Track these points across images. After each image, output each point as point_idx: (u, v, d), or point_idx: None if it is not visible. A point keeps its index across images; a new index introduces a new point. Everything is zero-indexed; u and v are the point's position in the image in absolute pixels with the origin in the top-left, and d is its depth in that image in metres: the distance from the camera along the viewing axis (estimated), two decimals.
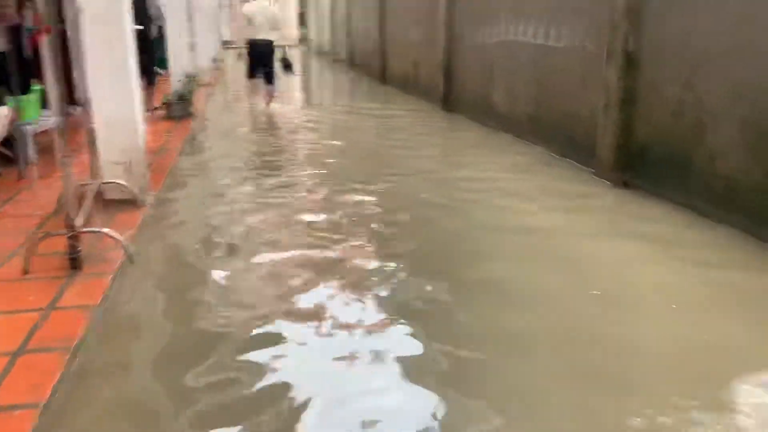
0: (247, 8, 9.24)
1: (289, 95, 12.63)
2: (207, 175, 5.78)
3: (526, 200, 4.69)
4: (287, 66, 9.82)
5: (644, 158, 4.64)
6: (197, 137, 7.44)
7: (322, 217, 4.36)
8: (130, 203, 4.31)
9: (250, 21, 9.10)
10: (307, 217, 4.36)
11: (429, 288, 3.16)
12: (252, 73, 9.52)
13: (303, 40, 30.94)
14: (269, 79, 9.45)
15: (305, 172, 5.78)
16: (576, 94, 5.59)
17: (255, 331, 2.73)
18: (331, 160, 6.35)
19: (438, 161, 6.38)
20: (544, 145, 6.16)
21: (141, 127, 4.45)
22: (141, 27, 9.75)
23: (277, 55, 9.46)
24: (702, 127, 4.07)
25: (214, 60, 16.66)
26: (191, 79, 8.52)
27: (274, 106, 9.67)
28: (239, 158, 6.36)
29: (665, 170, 4.43)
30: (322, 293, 3.12)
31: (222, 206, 4.62)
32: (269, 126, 8.59)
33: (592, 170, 5.19)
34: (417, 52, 10.53)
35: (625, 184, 4.83)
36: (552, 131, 6.04)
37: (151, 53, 8.62)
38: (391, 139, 7.40)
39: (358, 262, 3.52)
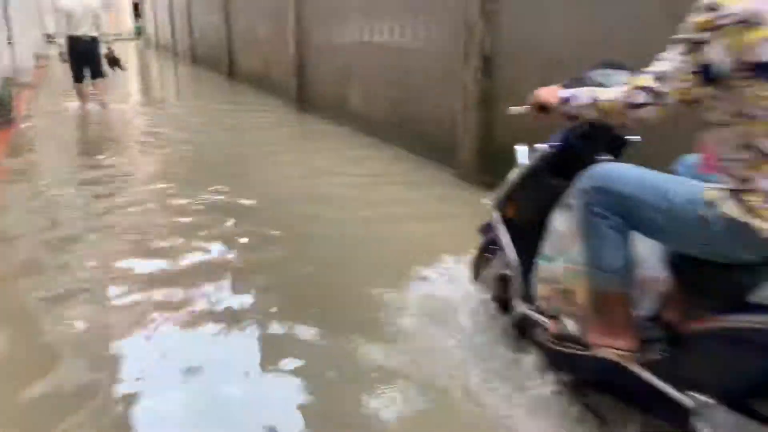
0: (64, 1, 8.32)
1: (126, 94, 11.68)
2: (30, 199, 4.85)
3: (384, 204, 4.59)
4: (113, 61, 9.00)
5: (504, 160, 4.71)
6: (20, 147, 6.55)
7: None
8: None
9: (69, 15, 8.26)
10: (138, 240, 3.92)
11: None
12: (78, 76, 8.64)
13: (139, 33, 28.98)
14: (96, 74, 8.66)
15: (145, 188, 5.21)
16: (435, 95, 5.58)
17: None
18: (176, 170, 5.75)
19: (293, 164, 6.08)
20: (405, 147, 6.11)
21: None
22: None
23: (102, 50, 8.67)
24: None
25: (37, 56, 14.98)
26: (8, 81, 7.48)
27: (108, 105, 8.94)
28: (68, 174, 5.62)
29: None
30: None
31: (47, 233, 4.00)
32: (103, 131, 7.79)
33: (454, 172, 5.21)
34: (268, 49, 10.13)
35: (487, 186, 4.89)
36: (412, 133, 6.00)
37: None
38: (243, 143, 7.01)
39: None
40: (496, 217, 2.51)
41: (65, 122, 8.31)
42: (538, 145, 2.41)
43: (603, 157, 2.11)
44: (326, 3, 7.61)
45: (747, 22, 1.47)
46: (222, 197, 4.73)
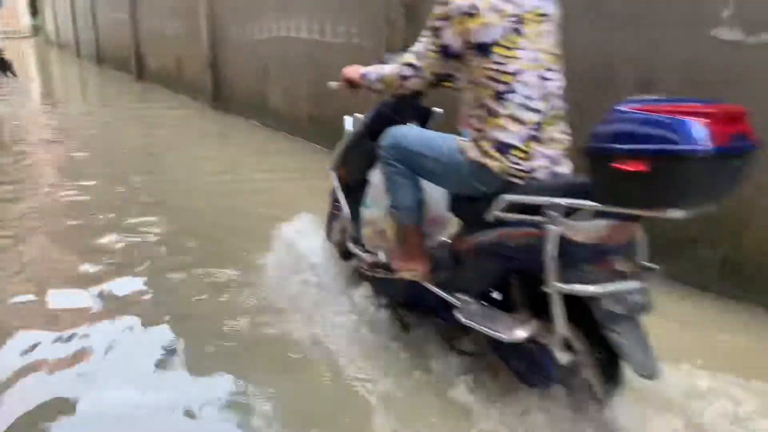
0: None
1: (26, 95, 10.90)
2: None
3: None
4: (3, 65, 8.61)
5: None
6: None
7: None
8: None
9: None
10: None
11: None
12: None
13: (37, 31, 27.27)
14: None
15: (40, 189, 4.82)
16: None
17: None
18: (83, 183, 5.01)
19: (212, 168, 5.82)
20: (327, 146, 5.97)
21: None
22: None
23: None
24: None
25: None
26: None
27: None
28: None
29: None
30: None
31: None
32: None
33: None
34: (179, 47, 9.70)
35: None
36: (334, 131, 5.86)
37: None
38: (154, 142, 6.66)
39: None
40: (333, 178, 2.96)
41: None
42: (358, 115, 2.82)
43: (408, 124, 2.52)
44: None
45: (468, 13, 1.94)
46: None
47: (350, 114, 2.93)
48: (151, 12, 10.91)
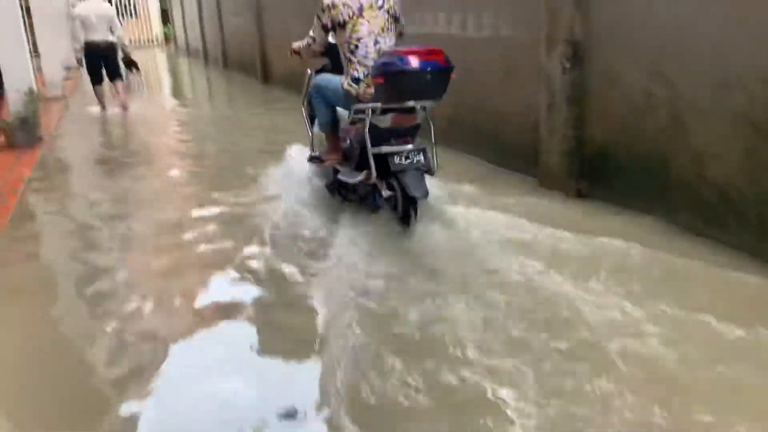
0: (79, 9, 8.81)
1: (156, 99, 11.19)
2: (63, 243, 4.13)
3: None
4: (129, 63, 9.39)
5: (604, 163, 3.95)
6: (48, 172, 6.00)
7: None
8: None
9: (84, 23, 8.62)
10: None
11: None
12: (96, 80, 8.98)
13: (168, 38, 28.72)
14: (113, 76, 8.96)
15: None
16: (504, 91, 4.85)
17: None
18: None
19: None
20: (468, 151, 5.39)
21: None
22: None
23: (119, 54, 9.09)
24: (681, 125, 3.42)
25: (67, 67, 14.61)
26: (33, 95, 6.97)
27: (129, 108, 9.02)
28: (106, 203, 5.01)
29: (629, 177, 3.76)
30: None
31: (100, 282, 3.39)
32: (133, 141, 7.24)
33: (536, 179, 4.47)
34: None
35: (580, 194, 4.14)
36: (477, 135, 5.28)
37: None
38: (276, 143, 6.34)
39: None
40: (304, 113, 4.52)
41: (94, 137, 7.82)
42: (309, 70, 4.32)
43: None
44: None
45: (331, 6, 3.58)
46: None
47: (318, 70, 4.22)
48: (276, 16, 10.81)
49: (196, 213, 4.38)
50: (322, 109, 3.91)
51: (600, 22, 3.80)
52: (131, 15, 27.77)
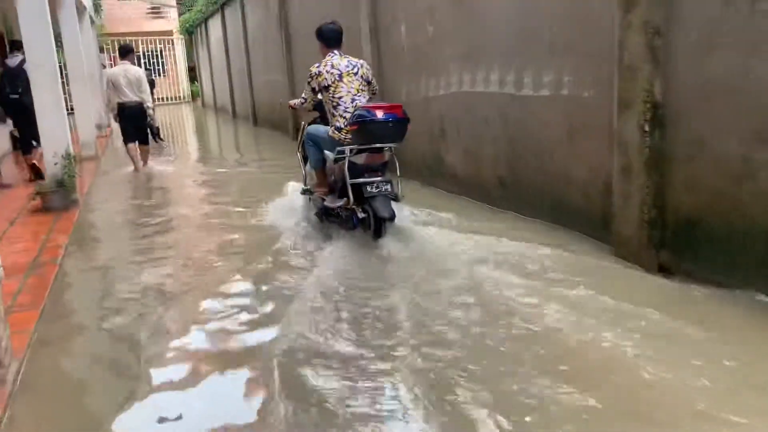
0: (110, 72, 9.48)
1: (189, 158, 11.12)
2: (105, 312, 3.91)
3: (534, 290, 3.54)
4: (154, 132, 10.12)
5: (691, 235, 3.61)
6: (85, 238, 5.81)
7: None
8: None
9: (115, 84, 9.12)
10: None
11: None
12: (127, 139, 9.38)
13: (194, 95, 29.24)
14: (142, 139, 9.49)
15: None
16: (568, 152, 4.57)
17: None
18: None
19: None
20: (527, 213, 5.09)
21: None
22: (17, 96, 8.31)
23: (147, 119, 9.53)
24: None
25: (99, 126, 14.76)
26: (71, 158, 6.85)
27: (149, 167, 9.58)
28: (145, 272, 4.79)
29: (724, 250, 3.41)
30: None
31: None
32: (167, 203, 7.05)
33: (613, 249, 4.13)
34: None
35: (662, 267, 3.79)
36: (537, 197, 4.98)
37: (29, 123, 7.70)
38: None
39: None
40: (299, 156, 5.68)
41: (126, 199, 7.67)
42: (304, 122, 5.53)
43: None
44: (414, 54, 6.76)
45: (318, 74, 4.88)
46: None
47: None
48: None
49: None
50: (312, 151, 5.13)
51: (684, 83, 3.53)
52: (160, 74, 28.37)
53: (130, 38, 25.01)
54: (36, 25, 6.72)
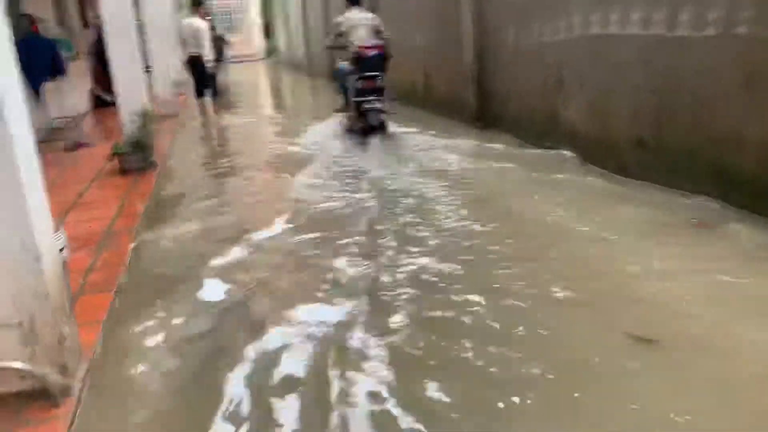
0: (179, 25, 10.33)
1: (255, 109, 10.63)
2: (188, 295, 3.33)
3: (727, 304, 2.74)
4: (218, 84, 10.95)
5: None
6: (164, 202, 5.34)
7: None
8: (39, 396, 2.24)
9: (184, 38, 9.61)
10: None
11: None
12: (199, 92, 9.89)
13: (270, 53, 28.84)
14: (210, 91, 10.06)
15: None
16: (738, 106, 3.65)
17: None
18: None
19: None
20: (676, 185, 4.20)
21: (51, 253, 2.33)
22: None
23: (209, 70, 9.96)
24: None
25: (177, 83, 14.47)
26: (147, 116, 6.39)
27: (220, 121, 10.06)
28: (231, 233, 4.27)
29: None
30: None
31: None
32: (243, 159, 6.53)
33: None
34: (427, 59, 8.55)
35: None
36: (691, 164, 4.08)
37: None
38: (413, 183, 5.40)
39: None
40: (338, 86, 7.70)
41: (202, 156, 7.20)
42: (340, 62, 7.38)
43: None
44: None
45: (339, 23, 7.07)
46: None
47: None
48: (393, 23, 9.93)
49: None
50: (340, 80, 7.39)
51: None
52: (235, 31, 28.08)
53: None
54: None
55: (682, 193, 4.07)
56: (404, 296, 2.97)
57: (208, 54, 9.60)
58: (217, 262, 3.70)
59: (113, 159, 6.20)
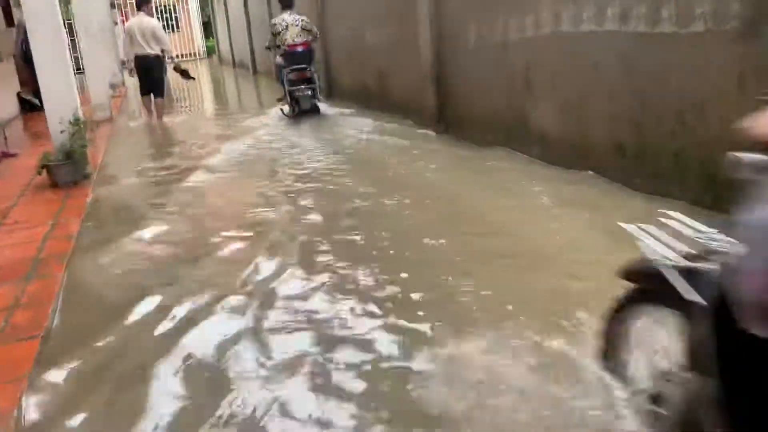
0: (127, 24, 9.76)
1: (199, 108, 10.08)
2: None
3: None
4: (183, 73, 10.36)
5: None
6: (102, 219, 4.79)
7: None
8: None
9: (131, 37, 9.20)
10: None
11: None
12: (143, 90, 9.58)
13: (210, 52, 27.93)
14: (156, 92, 9.53)
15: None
16: (730, 107, 3.42)
17: None
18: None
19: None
20: (652, 189, 3.96)
21: None
22: None
23: (171, 66, 10.00)
24: None
25: (113, 85, 13.65)
26: (80, 123, 5.79)
27: (163, 120, 9.60)
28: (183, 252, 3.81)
29: None
30: None
31: None
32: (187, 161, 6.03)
33: None
34: (383, 59, 8.19)
35: None
36: (668, 169, 3.85)
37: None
38: (369, 178, 5.03)
39: None
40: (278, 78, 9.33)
41: (142, 162, 6.59)
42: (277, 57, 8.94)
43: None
44: None
45: (275, 24, 8.61)
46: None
47: None
48: (343, 21, 9.54)
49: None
50: (278, 75, 8.76)
51: None
52: (173, 29, 27.04)
53: None
54: None
55: (657, 198, 3.82)
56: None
57: (168, 49, 9.55)
58: (155, 299, 3.21)
59: (42, 171, 5.59)
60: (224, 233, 4.10)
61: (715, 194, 3.51)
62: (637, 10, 3.92)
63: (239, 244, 3.89)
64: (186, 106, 12.77)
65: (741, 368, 1.27)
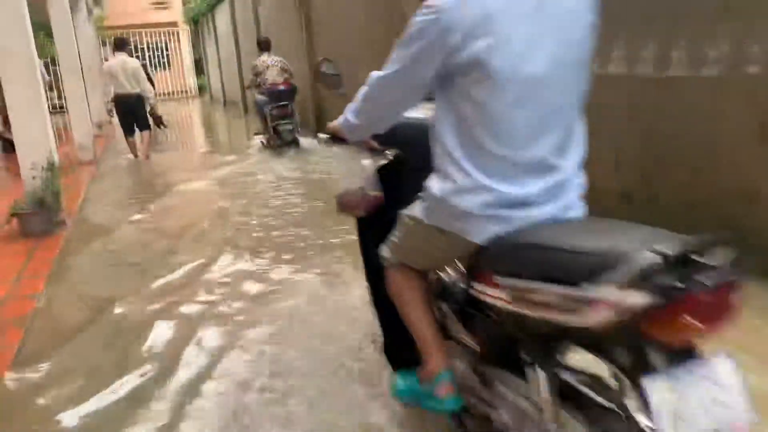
0: (107, 65, 9.70)
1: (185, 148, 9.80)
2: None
3: None
4: (156, 119, 10.13)
5: None
6: (71, 274, 4.42)
7: None
8: None
9: (112, 77, 9.27)
10: None
11: None
12: (126, 131, 9.50)
13: (201, 90, 27.81)
14: (142, 127, 9.55)
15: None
16: (748, 157, 3.15)
17: None
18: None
19: None
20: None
21: None
22: None
23: (147, 107, 9.65)
24: None
25: (100, 125, 13.38)
26: (54, 169, 5.47)
27: (150, 157, 9.69)
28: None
29: None
30: None
31: None
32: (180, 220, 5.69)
33: None
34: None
35: None
36: (679, 220, 3.57)
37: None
38: None
39: None
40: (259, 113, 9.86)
41: (125, 214, 6.21)
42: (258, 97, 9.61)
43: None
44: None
45: (255, 66, 9.57)
46: None
47: None
48: (334, 56, 9.32)
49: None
50: (258, 111, 9.43)
51: None
52: (164, 67, 26.97)
53: (133, 30, 23.67)
54: (4, 2, 5.32)
55: None
56: None
57: (148, 90, 9.57)
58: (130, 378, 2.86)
59: (11, 220, 5.25)
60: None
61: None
62: (646, 51, 3.68)
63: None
64: (175, 143, 12.74)
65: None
